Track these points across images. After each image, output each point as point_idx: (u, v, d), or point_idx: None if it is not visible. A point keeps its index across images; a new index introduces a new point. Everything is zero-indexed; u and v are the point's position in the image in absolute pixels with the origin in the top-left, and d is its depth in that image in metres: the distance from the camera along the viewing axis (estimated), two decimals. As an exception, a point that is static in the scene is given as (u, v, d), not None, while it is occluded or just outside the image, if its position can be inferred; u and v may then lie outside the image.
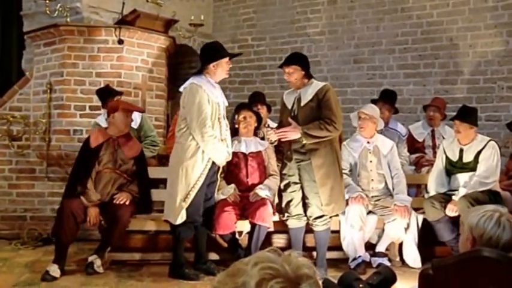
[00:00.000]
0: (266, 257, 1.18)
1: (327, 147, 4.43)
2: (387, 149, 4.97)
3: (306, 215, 4.55)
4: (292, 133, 4.38)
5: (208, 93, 4.31)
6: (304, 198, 4.54)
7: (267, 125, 5.55)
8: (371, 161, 4.94)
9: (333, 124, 4.35)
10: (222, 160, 4.44)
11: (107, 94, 5.29)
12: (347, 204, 4.72)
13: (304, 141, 4.35)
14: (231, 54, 4.66)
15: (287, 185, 4.58)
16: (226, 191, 4.70)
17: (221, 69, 4.41)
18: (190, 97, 4.31)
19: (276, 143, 4.73)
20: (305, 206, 4.54)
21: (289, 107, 4.59)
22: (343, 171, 4.89)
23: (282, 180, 4.67)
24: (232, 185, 4.75)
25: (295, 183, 4.54)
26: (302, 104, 4.48)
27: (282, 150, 4.77)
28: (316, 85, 4.50)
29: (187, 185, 4.28)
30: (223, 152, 4.41)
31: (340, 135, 4.67)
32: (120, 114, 4.78)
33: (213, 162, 4.39)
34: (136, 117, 5.32)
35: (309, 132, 4.33)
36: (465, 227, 2.26)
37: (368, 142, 4.97)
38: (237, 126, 5.02)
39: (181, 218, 4.29)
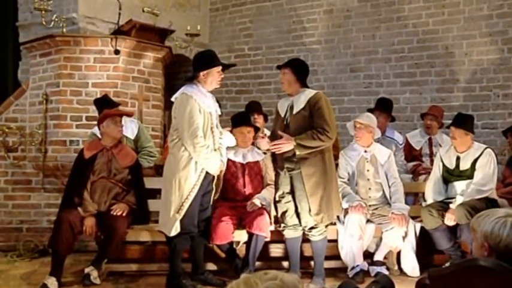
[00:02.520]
0: None
1: (318, 156, 4.37)
2: (384, 158, 4.96)
3: (301, 225, 4.53)
4: (286, 145, 4.32)
5: (199, 102, 4.25)
6: (296, 207, 4.48)
7: (263, 134, 5.53)
8: (368, 170, 4.93)
9: (326, 133, 4.29)
10: (215, 170, 4.40)
11: (104, 104, 5.26)
12: (346, 213, 4.70)
13: (298, 152, 4.29)
14: (222, 63, 4.51)
15: (281, 196, 4.53)
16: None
17: (212, 78, 4.34)
18: (181, 107, 4.25)
19: (267, 152, 4.71)
20: (299, 216, 4.49)
21: (282, 114, 4.56)
22: (341, 180, 4.88)
23: (276, 190, 4.61)
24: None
25: (289, 193, 4.49)
26: (294, 112, 4.44)
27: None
28: (309, 93, 4.44)
29: (181, 196, 4.23)
30: (216, 161, 4.36)
31: (337, 143, 4.62)
32: (109, 121, 4.79)
33: (207, 172, 4.34)
34: (133, 127, 5.31)
35: (302, 143, 4.27)
36: (478, 234, 2.22)
37: (365, 151, 4.96)
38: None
39: (175, 229, 4.24)
